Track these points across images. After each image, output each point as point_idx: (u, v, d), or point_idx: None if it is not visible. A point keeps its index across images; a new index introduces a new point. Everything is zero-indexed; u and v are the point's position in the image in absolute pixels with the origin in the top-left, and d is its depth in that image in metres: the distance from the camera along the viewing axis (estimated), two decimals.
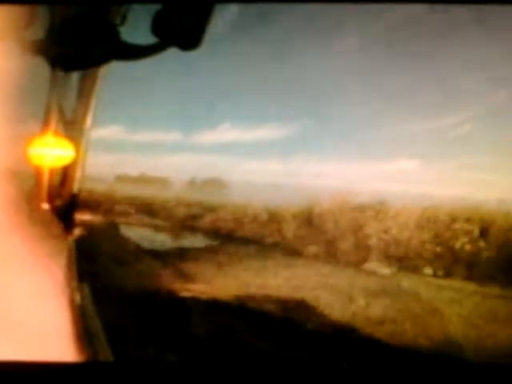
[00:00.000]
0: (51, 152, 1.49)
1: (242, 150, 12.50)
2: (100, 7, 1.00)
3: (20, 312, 0.72)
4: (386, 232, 7.91)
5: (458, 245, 7.35)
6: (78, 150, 1.69)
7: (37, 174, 1.65)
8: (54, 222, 1.66)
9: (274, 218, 9.53)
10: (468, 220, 7.63)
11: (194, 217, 10.83)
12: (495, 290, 6.18)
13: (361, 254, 7.78)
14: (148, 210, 11.55)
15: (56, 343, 0.75)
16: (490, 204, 7.79)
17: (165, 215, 11.15)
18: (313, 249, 8.31)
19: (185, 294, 5.54)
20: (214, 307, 5.14)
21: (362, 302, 5.60)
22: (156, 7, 0.94)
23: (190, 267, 6.84)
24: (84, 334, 0.87)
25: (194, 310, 4.94)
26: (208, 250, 8.43)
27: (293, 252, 8.30)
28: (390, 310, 5.39)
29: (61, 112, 1.60)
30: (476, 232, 7.40)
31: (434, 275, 7.14)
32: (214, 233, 9.91)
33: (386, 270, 7.31)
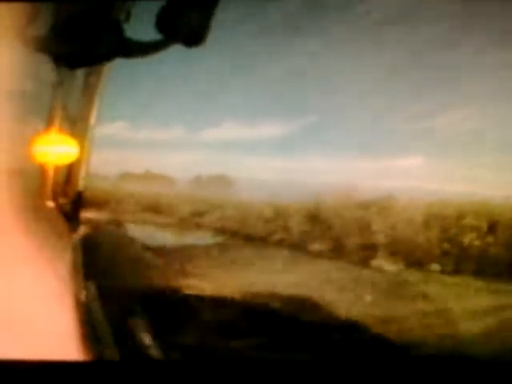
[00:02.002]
0: (56, 150, 1.49)
1: (247, 147, 12.50)
2: (104, 4, 1.00)
3: (25, 311, 0.71)
4: (392, 228, 7.87)
5: (466, 241, 7.29)
6: (82, 148, 1.69)
7: (41, 172, 1.65)
8: (59, 219, 1.66)
9: (279, 214, 9.52)
10: (476, 215, 7.56)
11: (199, 214, 10.84)
12: (504, 286, 6.13)
13: (367, 250, 7.75)
14: (153, 207, 11.57)
15: (61, 342, 0.74)
16: (497, 199, 7.73)
17: (170, 212, 11.16)
18: (318, 246, 8.30)
19: (189, 291, 5.54)
20: (218, 305, 5.14)
21: (368, 299, 5.58)
22: (160, 3, 0.93)
23: (194, 265, 6.84)
24: (89, 333, 0.87)
25: (199, 308, 4.94)
26: (213, 248, 8.43)
27: (298, 249, 8.29)
28: (396, 307, 5.37)
29: (65, 109, 1.60)
30: (484, 228, 7.34)
31: (442, 272, 7.09)
32: (219, 230, 9.91)
33: (392, 267, 7.28)
